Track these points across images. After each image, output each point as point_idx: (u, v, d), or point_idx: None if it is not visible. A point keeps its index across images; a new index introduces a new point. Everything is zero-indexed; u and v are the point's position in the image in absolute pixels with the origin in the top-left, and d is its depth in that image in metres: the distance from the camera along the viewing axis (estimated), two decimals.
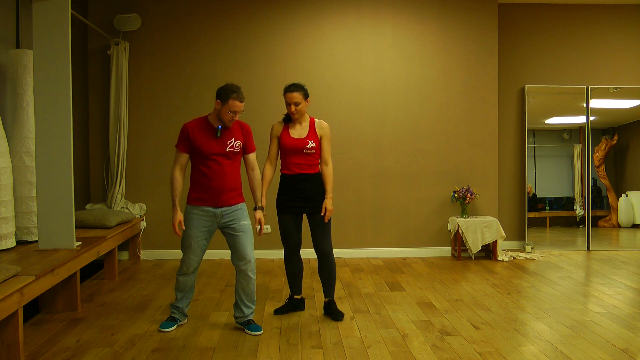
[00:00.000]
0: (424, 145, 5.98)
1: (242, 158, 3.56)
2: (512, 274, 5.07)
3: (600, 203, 6.69)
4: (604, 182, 6.65)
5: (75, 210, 4.50)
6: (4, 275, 3.01)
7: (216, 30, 5.86)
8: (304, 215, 3.82)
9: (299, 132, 3.70)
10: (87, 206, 5.68)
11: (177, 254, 5.14)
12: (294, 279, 3.89)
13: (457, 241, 5.74)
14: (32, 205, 4.23)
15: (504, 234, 5.76)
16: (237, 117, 3.40)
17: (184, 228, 3.41)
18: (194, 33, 5.85)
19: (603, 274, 5.04)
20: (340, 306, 3.98)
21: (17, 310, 2.98)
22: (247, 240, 3.45)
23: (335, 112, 5.85)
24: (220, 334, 3.47)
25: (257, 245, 4.97)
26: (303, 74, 5.73)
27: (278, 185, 3.79)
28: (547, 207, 6.63)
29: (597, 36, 6.41)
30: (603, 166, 6.62)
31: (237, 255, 3.46)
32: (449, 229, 5.98)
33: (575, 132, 6.64)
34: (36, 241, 4.17)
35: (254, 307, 3.57)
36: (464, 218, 5.73)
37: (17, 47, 4.50)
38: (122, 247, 5.70)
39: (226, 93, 3.32)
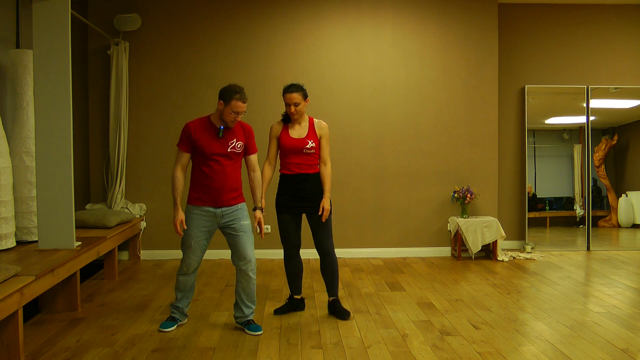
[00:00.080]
0: (424, 145, 5.99)
1: (243, 159, 3.56)
2: (512, 274, 5.07)
3: (600, 203, 6.69)
4: (604, 182, 6.65)
5: (75, 210, 4.50)
6: (4, 275, 3.01)
7: (216, 30, 5.86)
8: (304, 215, 3.82)
9: (298, 132, 3.70)
10: (87, 206, 5.68)
11: (177, 254, 5.13)
12: (294, 279, 3.89)
13: (457, 241, 5.74)
14: (32, 205, 4.23)
15: (504, 234, 5.76)
16: (239, 118, 3.41)
17: (186, 227, 3.41)
18: (194, 33, 5.85)
19: (603, 274, 5.04)
20: None
21: (17, 310, 2.98)
22: (248, 240, 3.46)
23: (335, 112, 5.85)
24: (220, 334, 3.47)
25: (257, 245, 4.96)
26: (303, 74, 5.73)
27: (277, 185, 3.79)
28: (547, 207, 6.63)
29: (597, 36, 6.41)
30: (603, 166, 6.62)
31: (238, 255, 3.46)
32: (449, 229, 5.98)
33: (575, 132, 6.64)
34: (36, 241, 4.17)
35: (254, 307, 3.57)
36: (464, 218, 5.73)
37: (17, 47, 4.50)
38: (122, 247, 5.70)
39: (229, 94, 3.32)
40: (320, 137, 3.73)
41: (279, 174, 3.79)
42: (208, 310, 3.96)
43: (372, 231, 5.98)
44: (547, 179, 6.63)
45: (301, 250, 3.87)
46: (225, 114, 3.36)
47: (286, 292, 4.40)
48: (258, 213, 3.52)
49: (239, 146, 3.45)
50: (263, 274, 5.09)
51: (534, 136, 6.53)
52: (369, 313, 3.88)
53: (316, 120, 3.77)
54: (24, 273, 3.21)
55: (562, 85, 6.38)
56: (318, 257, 3.81)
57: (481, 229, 5.67)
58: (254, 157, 3.57)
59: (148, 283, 4.79)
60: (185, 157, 3.45)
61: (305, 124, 3.73)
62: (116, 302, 4.20)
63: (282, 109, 3.76)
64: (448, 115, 5.99)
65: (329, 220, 3.72)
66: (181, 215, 3.40)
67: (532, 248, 6.07)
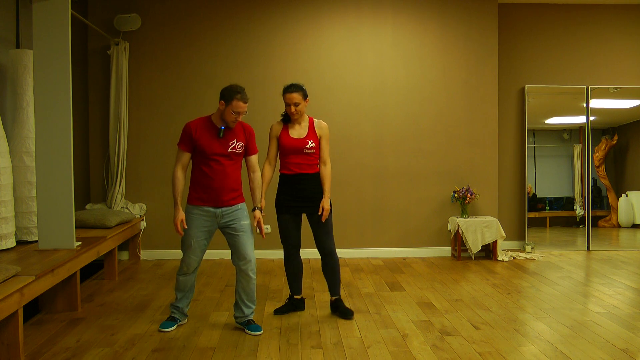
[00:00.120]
0: (424, 145, 5.99)
1: (243, 159, 3.56)
2: (512, 274, 5.07)
3: (600, 203, 6.69)
4: (604, 182, 6.65)
5: (75, 210, 4.50)
6: (4, 275, 3.01)
7: (216, 30, 5.86)
8: (304, 215, 3.82)
9: (298, 132, 3.70)
10: (87, 206, 5.68)
11: (177, 254, 5.13)
12: (294, 279, 3.89)
13: (457, 241, 5.74)
14: (32, 205, 4.23)
15: (504, 234, 5.76)
16: (240, 118, 3.41)
17: (186, 227, 3.41)
18: (194, 33, 5.85)
19: (603, 274, 5.04)
20: None
21: (17, 310, 2.98)
22: (248, 240, 3.46)
23: (335, 112, 5.85)
24: (220, 334, 3.47)
25: (257, 245, 4.96)
26: (303, 74, 5.73)
27: (277, 185, 3.79)
28: (547, 207, 6.63)
29: (597, 36, 6.41)
30: (603, 166, 6.62)
31: (238, 255, 3.46)
32: (449, 229, 5.98)
33: (575, 132, 6.64)
34: (36, 241, 4.17)
35: (254, 307, 3.57)
36: (464, 218, 5.73)
37: (17, 47, 4.50)
38: (122, 247, 5.70)
39: (230, 94, 3.32)
40: (320, 137, 3.73)
41: (279, 173, 3.79)
42: (208, 310, 3.96)
43: (372, 231, 5.98)
44: (547, 179, 6.63)
45: (301, 250, 3.87)
46: (226, 114, 3.36)
47: (286, 292, 4.40)
48: (257, 213, 3.52)
49: (239, 146, 3.45)
50: (263, 274, 5.09)
51: (534, 136, 6.53)
52: (369, 313, 3.88)
53: (316, 120, 3.77)
54: (24, 273, 3.21)
55: (562, 85, 6.38)
56: (318, 257, 3.82)
57: (481, 229, 5.67)
58: (254, 158, 3.57)
59: (148, 283, 4.79)
60: (186, 156, 3.45)
61: (305, 124, 3.73)
62: (116, 302, 4.20)
63: (282, 109, 3.76)
64: (448, 115, 5.99)
65: (329, 220, 3.73)
66: (181, 215, 3.40)
67: (532, 248, 6.07)
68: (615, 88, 6.43)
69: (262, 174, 3.72)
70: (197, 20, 5.84)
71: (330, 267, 3.79)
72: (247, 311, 3.52)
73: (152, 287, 4.66)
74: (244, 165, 3.57)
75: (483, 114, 6.02)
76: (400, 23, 5.95)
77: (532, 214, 6.48)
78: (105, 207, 5.63)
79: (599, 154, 6.61)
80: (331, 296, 3.86)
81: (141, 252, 5.81)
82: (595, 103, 6.44)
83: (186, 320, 3.68)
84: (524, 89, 6.34)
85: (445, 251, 6.02)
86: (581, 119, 6.50)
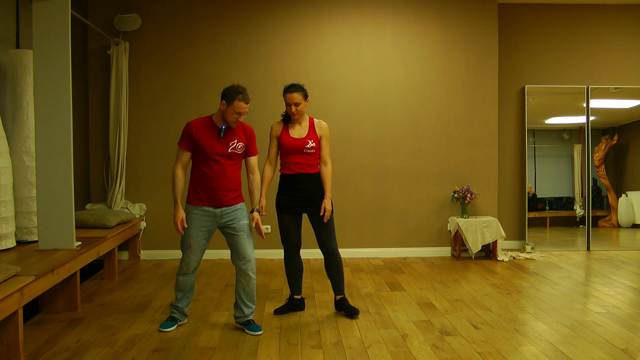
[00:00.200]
0: (424, 145, 5.99)
1: (243, 160, 3.56)
2: (512, 274, 5.07)
3: (600, 203, 6.69)
4: (604, 182, 6.65)
5: (75, 210, 4.50)
6: (4, 275, 3.01)
7: (216, 30, 5.86)
8: (304, 215, 3.82)
9: (298, 132, 3.71)
10: (87, 206, 5.68)
11: (177, 254, 5.13)
12: (294, 279, 3.89)
13: (457, 241, 5.74)
14: (32, 205, 4.23)
15: (504, 234, 5.76)
16: (241, 118, 3.41)
17: (186, 226, 3.41)
18: (194, 33, 5.85)
19: (603, 274, 5.04)
20: None
21: (17, 310, 2.98)
22: (247, 240, 3.46)
23: (335, 112, 5.85)
24: (220, 334, 3.47)
25: (257, 245, 4.96)
26: (303, 74, 5.73)
27: (277, 185, 3.79)
28: (547, 207, 6.63)
29: (597, 36, 6.41)
30: (603, 166, 6.62)
31: (237, 255, 3.46)
32: (449, 229, 5.98)
33: (575, 132, 6.64)
34: (36, 241, 4.17)
35: (254, 306, 3.57)
36: (464, 218, 5.73)
37: (17, 47, 4.50)
38: (122, 247, 5.70)
39: (231, 94, 3.33)
40: (320, 137, 3.73)
41: (279, 173, 3.79)
42: (208, 310, 3.96)
43: (372, 231, 5.98)
44: (547, 179, 6.63)
45: (301, 250, 3.87)
46: (227, 114, 3.36)
47: (286, 292, 4.40)
48: (256, 215, 3.51)
49: (239, 147, 3.46)
50: (263, 274, 5.09)
51: (534, 136, 6.53)
52: (369, 313, 3.88)
53: (316, 120, 3.77)
54: (24, 273, 3.21)
55: (562, 85, 6.38)
56: (318, 257, 3.83)
57: (481, 229, 5.67)
58: (254, 160, 3.56)
59: (148, 283, 4.79)
60: (186, 155, 3.45)
61: (305, 124, 3.73)
62: (116, 302, 4.20)
63: (282, 108, 3.76)
64: (448, 115, 5.99)
65: (331, 219, 3.73)
66: (182, 214, 3.40)
67: (532, 248, 6.07)
68: (615, 88, 6.43)
69: (263, 174, 3.73)
70: (197, 20, 5.84)
71: (334, 266, 3.80)
72: (247, 311, 3.52)
73: (152, 287, 4.66)
74: (244, 166, 3.57)
75: (483, 114, 6.02)
76: (400, 23, 5.95)
77: (532, 214, 6.48)
78: (105, 207, 5.63)
79: (599, 154, 6.61)
80: (335, 295, 3.87)
81: (141, 252, 5.81)
82: (595, 103, 6.44)
83: (186, 320, 3.68)
84: (524, 89, 6.34)
85: (445, 251, 6.02)
86: (581, 119, 6.50)
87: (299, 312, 3.90)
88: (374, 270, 5.27)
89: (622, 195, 6.67)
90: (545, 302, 4.12)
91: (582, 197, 6.56)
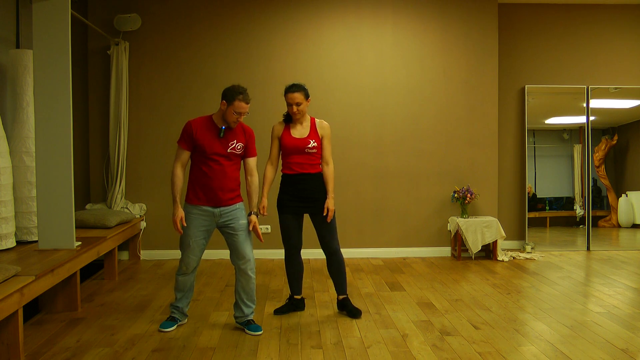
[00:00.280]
0: (424, 145, 5.99)
1: (242, 162, 3.56)
2: (512, 274, 5.07)
3: (600, 203, 6.69)
4: (604, 182, 6.65)
5: (75, 210, 4.50)
6: (4, 275, 3.01)
7: (216, 30, 5.86)
8: (305, 216, 3.82)
9: (300, 132, 3.71)
10: (87, 206, 5.68)
11: (177, 254, 5.13)
12: (294, 279, 3.89)
13: (457, 241, 5.74)
14: (32, 205, 4.23)
15: (504, 234, 5.76)
16: (241, 119, 3.41)
17: (185, 225, 3.41)
18: (194, 33, 5.85)
19: (603, 274, 5.04)
20: None
21: (17, 310, 2.98)
22: (246, 240, 3.46)
23: (335, 112, 5.85)
24: (220, 334, 3.47)
25: (257, 245, 4.96)
26: (303, 74, 5.73)
27: (279, 186, 3.79)
28: (547, 207, 6.63)
29: (597, 36, 6.41)
30: (603, 166, 6.62)
31: (237, 255, 3.46)
32: (449, 229, 5.98)
33: (575, 132, 6.64)
34: (36, 241, 4.17)
35: (254, 306, 3.57)
36: (464, 218, 5.73)
37: (17, 47, 4.50)
38: (122, 247, 5.70)
39: (232, 94, 3.33)
40: (322, 137, 3.73)
41: (281, 174, 3.79)
42: (208, 310, 3.96)
43: (372, 231, 5.98)
44: (547, 179, 6.63)
45: (301, 250, 3.87)
46: (227, 114, 3.36)
47: (286, 292, 4.40)
48: (253, 218, 3.50)
49: (238, 147, 3.46)
50: (263, 274, 5.09)
51: (534, 136, 6.53)
52: (369, 313, 3.88)
53: (318, 120, 3.77)
54: (24, 273, 3.21)
55: (562, 85, 6.38)
56: (318, 257, 3.84)
57: (481, 229, 5.67)
58: (252, 161, 3.55)
59: (148, 283, 4.79)
60: (185, 154, 3.45)
61: (307, 124, 3.73)
62: (116, 302, 4.20)
63: (283, 108, 3.76)
64: (448, 115, 5.99)
65: (333, 220, 3.74)
66: (181, 212, 3.40)
67: (532, 248, 6.07)
68: (615, 88, 6.43)
69: (265, 175, 3.74)
70: (197, 20, 5.84)
71: (336, 266, 3.80)
72: (247, 310, 3.52)
73: (152, 287, 4.66)
74: (243, 167, 3.57)
75: (483, 114, 6.02)
76: (400, 23, 5.95)
77: (532, 214, 6.48)
78: (105, 207, 5.63)
79: (599, 154, 6.61)
80: (338, 295, 3.87)
81: (141, 252, 5.81)
82: (595, 103, 6.44)
83: (186, 320, 3.68)
84: (524, 89, 6.34)
85: (445, 251, 6.02)
86: (581, 119, 6.50)
87: (299, 312, 3.90)
88: (374, 270, 5.27)
89: (622, 195, 6.67)
90: (545, 302, 4.12)
91: (582, 197, 6.56)
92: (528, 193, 6.37)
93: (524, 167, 6.37)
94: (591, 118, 6.44)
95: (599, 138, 6.64)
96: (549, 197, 6.65)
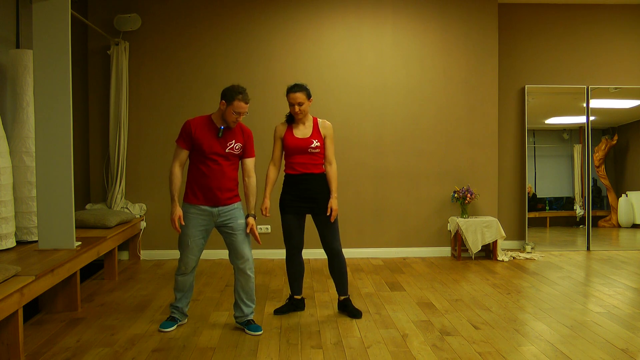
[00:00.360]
0: (424, 145, 5.99)
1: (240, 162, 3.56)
2: (512, 274, 5.07)
3: (600, 203, 6.69)
4: (604, 182, 6.65)
5: (75, 210, 4.50)
6: (4, 275, 3.01)
7: (216, 30, 5.86)
8: (308, 216, 3.82)
9: (302, 131, 3.70)
10: (87, 206, 5.68)
11: (177, 254, 5.12)
12: (295, 279, 3.89)
13: (457, 241, 5.74)
14: (32, 205, 4.23)
15: (504, 234, 5.76)
16: (240, 119, 3.41)
17: (183, 223, 3.41)
18: (194, 33, 5.85)
19: (603, 274, 5.04)
20: None
21: (17, 310, 2.98)
22: (245, 239, 3.46)
23: (336, 112, 5.85)
24: (220, 334, 3.47)
25: (257, 245, 4.97)
26: (303, 74, 5.72)
27: (282, 186, 3.78)
28: (547, 207, 6.63)
29: (597, 36, 6.41)
30: (603, 166, 6.62)
31: (235, 254, 3.46)
32: (449, 229, 5.98)
33: (575, 132, 6.64)
34: (36, 241, 4.17)
35: (253, 306, 3.57)
36: (464, 218, 5.73)
37: (17, 47, 4.50)
38: (122, 247, 5.70)
39: (231, 94, 3.33)
40: (324, 137, 3.73)
41: (284, 174, 3.78)
42: (208, 310, 3.96)
43: (372, 231, 5.98)
44: (547, 179, 6.63)
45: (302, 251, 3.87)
46: (227, 114, 3.36)
47: (286, 292, 4.40)
48: (251, 220, 3.48)
49: (237, 147, 3.45)
50: (263, 274, 5.09)
51: (534, 136, 6.53)
52: (369, 313, 3.88)
53: (320, 120, 3.77)
54: (24, 273, 3.21)
55: (562, 85, 6.38)
56: (318, 257, 3.83)
57: (481, 229, 5.67)
58: (250, 162, 3.55)
59: (148, 283, 4.79)
60: (184, 154, 3.45)
61: (309, 124, 3.73)
62: (116, 302, 4.20)
63: (283, 109, 3.76)
64: (448, 115, 5.99)
65: (335, 220, 3.73)
66: (179, 211, 3.39)
67: (532, 248, 6.07)
68: (615, 88, 6.43)
69: (267, 176, 3.74)
70: (197, 20, 5.84)
71: (338, 267, 3.80)
72: (246, 310, 3.52)
73: (152, 287, 4.66)
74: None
75: (483, 114, 6.02)
76: (400, 23, 5.95)
77: (532, 214, 6.48)
78: (105, 207, 5.63)
79: (599, 154, 6.61)
80: (339, 296, 3.87)
81: (141, 252, 5.81)
82: (595, 103, 6.44)
83: (186, 320, 3.68)
84: (524, 89, 6.34)
85: (445, 251, 6.02)
86: (581, 119, 6.50)
87: (299, 312, 3.90)
88: (374, 270, 5.27)
89: (622, 195, 6.67)
90: (545, 302, 4.12)
91: (582, 197, 6.56)
92: (528, 193, 6.37)
93: (524, 167, 6.37)
94: (591, 118, 6.44)
95: (599, 138, 6.64)
96: (549, 197, 6.65)
